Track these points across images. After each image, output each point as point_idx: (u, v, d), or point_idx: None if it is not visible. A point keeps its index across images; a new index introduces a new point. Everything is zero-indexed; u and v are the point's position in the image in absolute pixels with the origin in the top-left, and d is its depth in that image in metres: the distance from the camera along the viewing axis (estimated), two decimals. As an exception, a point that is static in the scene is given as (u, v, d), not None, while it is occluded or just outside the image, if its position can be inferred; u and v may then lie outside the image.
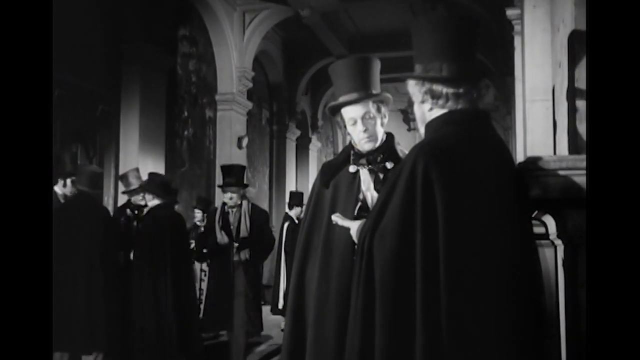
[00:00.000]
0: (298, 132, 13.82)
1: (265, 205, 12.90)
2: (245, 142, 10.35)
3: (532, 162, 1.78)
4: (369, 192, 2.42)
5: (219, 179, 10.21)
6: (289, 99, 13.16)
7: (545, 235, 2.31)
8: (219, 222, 5.48)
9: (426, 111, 1.79)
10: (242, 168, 5.80)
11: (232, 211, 5.53)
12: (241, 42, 10.15)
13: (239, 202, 5.52)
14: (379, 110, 2.45)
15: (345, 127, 2.50)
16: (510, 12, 5.76)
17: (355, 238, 2.01)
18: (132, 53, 7.57)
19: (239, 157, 10.32)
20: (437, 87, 1.73)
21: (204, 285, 6.65)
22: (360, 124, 2.41)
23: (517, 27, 5.60)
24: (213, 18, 9.61)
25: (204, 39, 9.77)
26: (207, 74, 9.89)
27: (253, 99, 10.92)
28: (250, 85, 10.48)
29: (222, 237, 5.37)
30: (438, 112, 1.76)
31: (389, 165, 2.42)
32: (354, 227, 2.06)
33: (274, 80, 12.81)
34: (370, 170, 2.44)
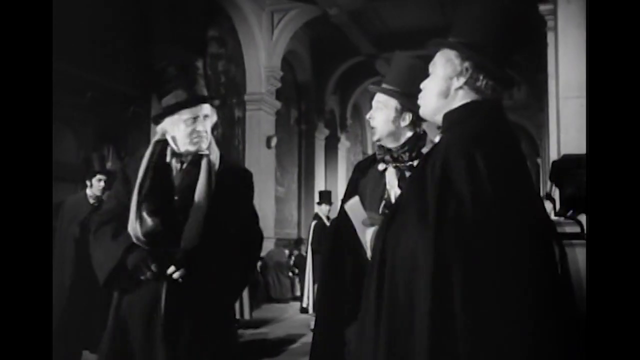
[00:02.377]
0: (327, 132, 13.82)
1: (294, 205, 12.93)
2: (274, 142, 10.39)
3: (567, 160, 1.74)
4: (393, 190, 2.44)
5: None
6: (318, 98, 13.16)
7: (581, 235, 2.26)
8: (141, 186, 2.34)
9: (453, 88, 1.69)
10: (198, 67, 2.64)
11: (178, 165, 2.44)
12: (270, 42, 10.19)
13: (194, 148, 2.40)
14: (396, 109, 2.48)
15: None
16: (543, 8, 5.66)
17: (369, 242, 1.97)
18: (162, 54, 7.66)
19: (267, 157, 10.37)
20: (481, 73, 1.67)
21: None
22: (370, 113, 2.54)
23: (550, 23, 5.50)
24: (242, 19, 9.67)
25: (232, 40, 9.84)
26: (236, 74, 9.96)
27: (281, 98, 10.96)
28: (279, 85, 10.51)
29: (140, 227, 2.25)
30: (464, 95, 1.69)
31: (416, 163, 2.42)
32: (369, 232, 2.02)
33: (302, 80, 12.83)
34: (396, 168, 2.47)
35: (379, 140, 2.51)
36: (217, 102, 2.24)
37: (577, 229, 2.38)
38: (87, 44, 6.69)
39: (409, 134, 2.49)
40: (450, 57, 1.69)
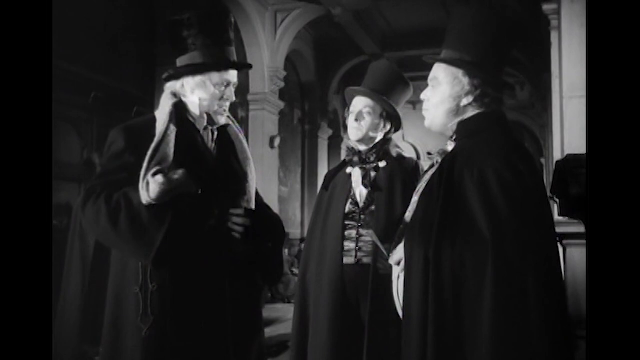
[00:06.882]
0: (330, 132, 13.80)
1: (297, 205, 12.93)
2: (277, 141, 10.38)
3: (572, 160, 1.74)
4: (358, 188, 2.60)
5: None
6: (321, 98, 13.15)
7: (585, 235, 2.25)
8: (156, 151, 1.93)
9: (462, 105, 1.72)
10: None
11: (208, 134, 2.12)
12: (273, 41, 10.18)
13: (222, 118, 2.18)
14: (381, 116, 2.64)
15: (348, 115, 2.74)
16: (547, 7, 5.65)
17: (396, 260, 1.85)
18: (166, 55, 7.67)
19: (271, 157, 10.36)
20: (488, 88, 1.68)
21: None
22: (354, 115, 2.66)
23: (553, 22, 5.50)
24: (245, 18, 9.66)
25: (236, 39, 9.81)
26: (239, 73, 9.95)
27: (285, 98, 10.95)
28: (282, 84, 10.50)
29: (156, 184, 1.81)
30: (472, 109, 1.72)
31: (381, 164, 2.62)
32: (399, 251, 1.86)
33: (305, 80, 12.83)
34: (362, 169, 2.64)
35: (359, 141, 2.65)
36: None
37: (582, 229, 2.37)
38: (91, 44, 6.70)
39: (380, 138, 2.66)
40: (457, 76, 1.70)
